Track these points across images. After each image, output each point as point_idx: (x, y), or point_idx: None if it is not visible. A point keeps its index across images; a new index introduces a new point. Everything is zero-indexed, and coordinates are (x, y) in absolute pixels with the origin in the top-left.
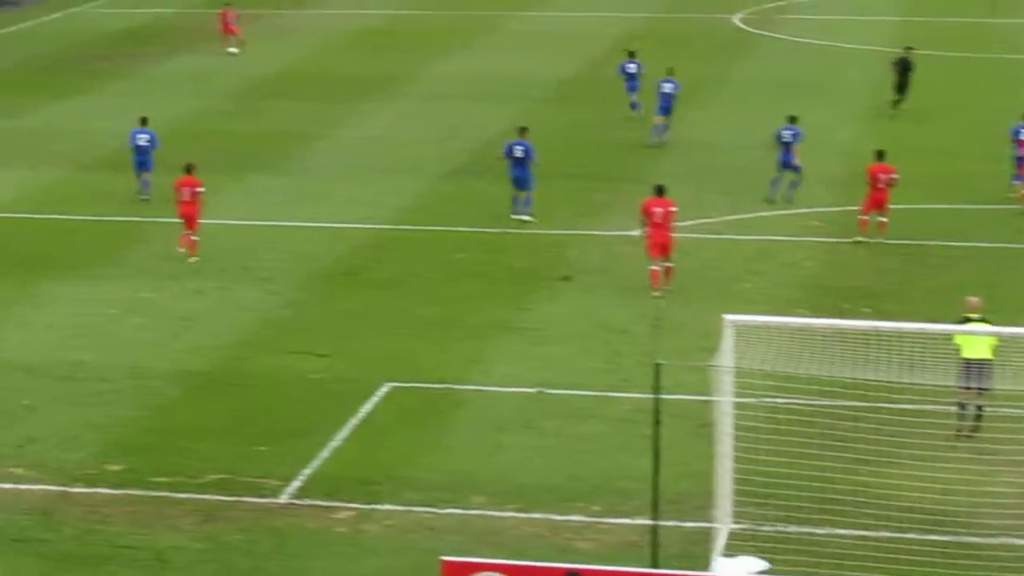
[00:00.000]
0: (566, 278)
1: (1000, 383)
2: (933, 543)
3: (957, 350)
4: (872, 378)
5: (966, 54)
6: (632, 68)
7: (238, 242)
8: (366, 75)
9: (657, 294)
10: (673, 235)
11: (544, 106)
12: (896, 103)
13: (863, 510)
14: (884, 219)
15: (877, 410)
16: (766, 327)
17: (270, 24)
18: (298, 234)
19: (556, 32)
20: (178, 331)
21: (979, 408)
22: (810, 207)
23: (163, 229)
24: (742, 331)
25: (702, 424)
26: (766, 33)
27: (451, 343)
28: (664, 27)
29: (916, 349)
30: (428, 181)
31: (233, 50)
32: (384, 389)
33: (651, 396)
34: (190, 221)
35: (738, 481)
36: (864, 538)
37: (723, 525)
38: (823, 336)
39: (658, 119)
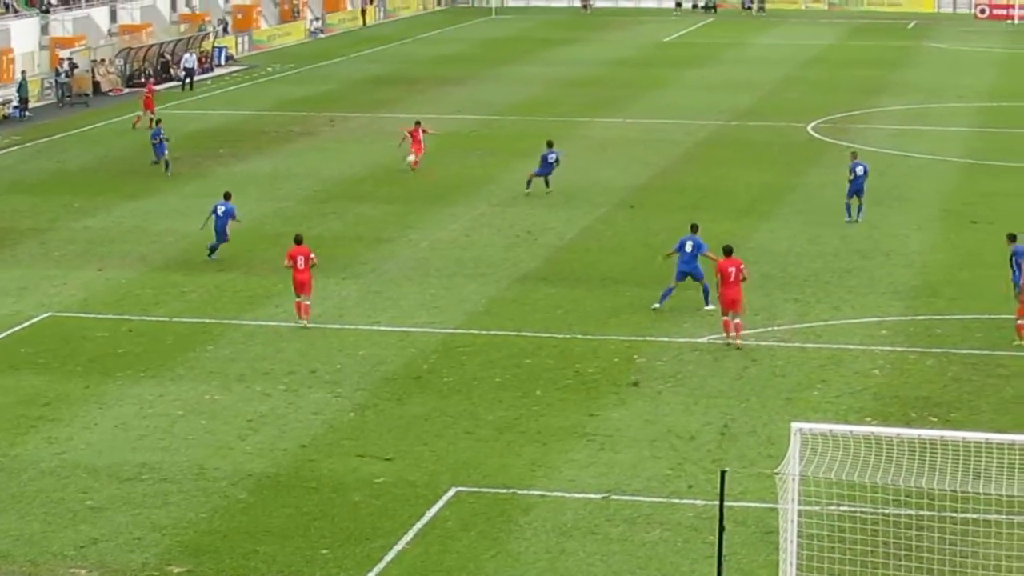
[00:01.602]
0: (635, 384)
1: None
2: None
3: None
4: (936, 487)
5: None
6: (552, 157)
7: (307, 344)
8: (444, 178)
9: (731, 340)
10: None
11: (616, 212)
12: None
13: None
14: None
15: (942, 519)
16: (832, 435)
17: (351, 126)
18: (367, 337)
19: (632, 138)
20: (244, 433)
21: None
22: (880, 316)
23: (231, 330)
24: (808, 439)
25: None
26: (838, 142)
27: (517, 448)
28: (738, 134)
29: (982, 459)
30: (499, 285)
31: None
32: (449, 493)
33: (716, 503)
34: (303, 287)
35: None
36: None
37: None
38: (888, 445)
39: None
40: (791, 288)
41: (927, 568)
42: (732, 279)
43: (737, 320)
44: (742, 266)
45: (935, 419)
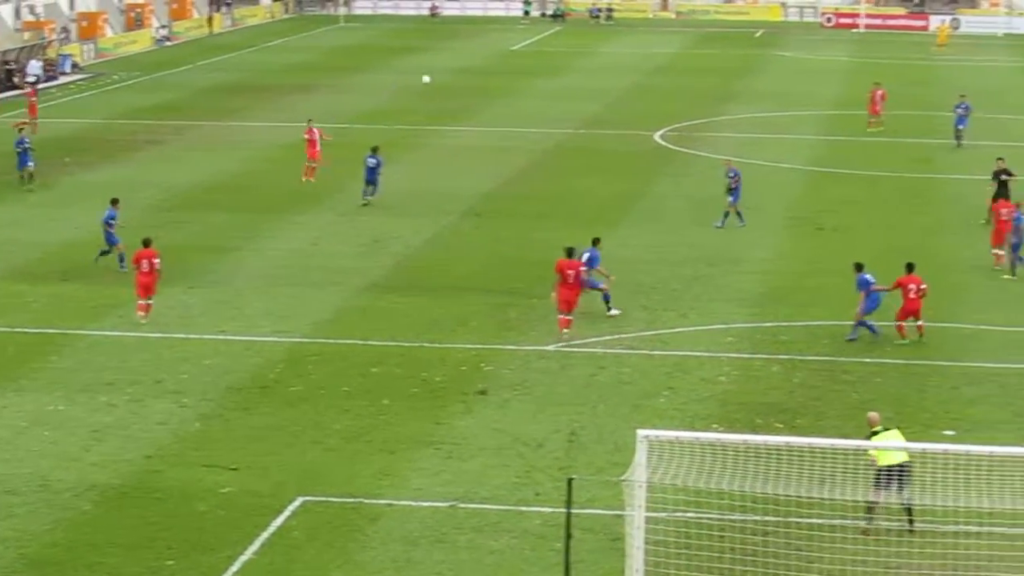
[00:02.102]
0: (482, 392)
1: (918, 499)
2: None
3: (874, 461)
4: (782, 493)
5: (881, 172)
6: (372, 163)
7: (152, 354)
8: (291, 188)
9: (564, 337)
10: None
11: (463, 220)
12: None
13: None
14: (921, 323)
15: (787, 525)
16: (679, 442)
17: (196, 135)
18: (213, 347)
19: (480, 146)
20: (89, 444)
21: (910, 512)
22: (727, 323)
23: (75, 340)
24: (655, 446)
25: (613, 538)
26: (685, 150)
27: (364, 457)
28: (587, 142)
29: (827, 464)
30: (346, 294)
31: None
32: (296, 503)
33: (563, 510)
34: (147, 290)
35: None
36: None
37: None
38: (735, 451)
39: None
40: (638, 296)
41: (773, 573)
42: (571, 280)
43: (570, 317)
44: (581, 268)
45: (781, 425)
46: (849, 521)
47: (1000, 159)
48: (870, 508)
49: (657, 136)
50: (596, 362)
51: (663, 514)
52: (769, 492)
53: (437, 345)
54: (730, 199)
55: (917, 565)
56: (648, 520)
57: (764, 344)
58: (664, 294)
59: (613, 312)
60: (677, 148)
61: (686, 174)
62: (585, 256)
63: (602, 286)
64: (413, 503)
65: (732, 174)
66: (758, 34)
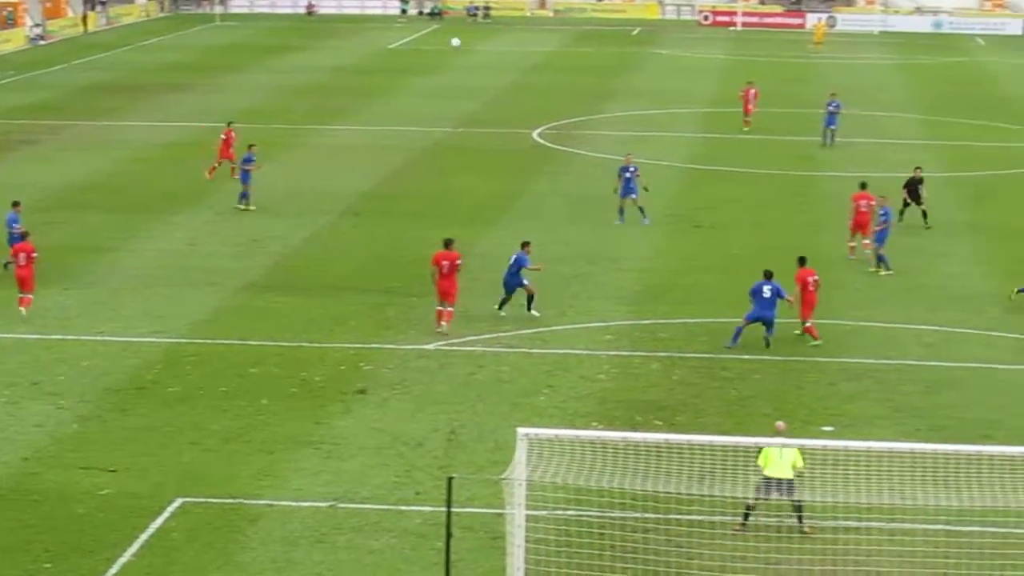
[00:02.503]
0: (361, 391)
1: (800, 495)
2: None
3: (760, 468)
4: (662, 490)
5: (759, 170)
6: (248, 164)
7: (29, 356)
8: (169, 188)
9: (440, 330)
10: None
11: (341, 220)
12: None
13: None
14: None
15: (668, 522)
16: (559, 440)
17: (71, 134)
18: (90, 348)
19: (358, 145)
20: None
21: (799, 511)
22: (605, 321)
23: None
24: (535, 444)
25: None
26: (564, 148)
27: (243, 457)
28: (464, 141)
29: (706, 461)
30: (224, 294)
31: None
32: (175, 504)
33: (443, 509)
34: (24, 283)
35: None
36: None
37: None
38: (615, 449)
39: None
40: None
41: (653, 571)
42: (446, 271)
43: (449, 309)
44: (457, 260)
45: (660, 422)
46: (728, 517)
47: (918, 168)
48: (750, 507)
49: (535, 134)
50: (475, 361)
51: (543, 512)
52: (649, 489)
53: (316, 345)
54: (632, 196)
55: (797, 560)
56: (528, 518)
57: (643, 342)
58: (543, 292)
59: (534, 314)
60: (555, 146)
61: (564, 172)
62: (513, 259)
63: (527, 283)
64: (293, 503)
65: (632, 170)
66: (635, 32)
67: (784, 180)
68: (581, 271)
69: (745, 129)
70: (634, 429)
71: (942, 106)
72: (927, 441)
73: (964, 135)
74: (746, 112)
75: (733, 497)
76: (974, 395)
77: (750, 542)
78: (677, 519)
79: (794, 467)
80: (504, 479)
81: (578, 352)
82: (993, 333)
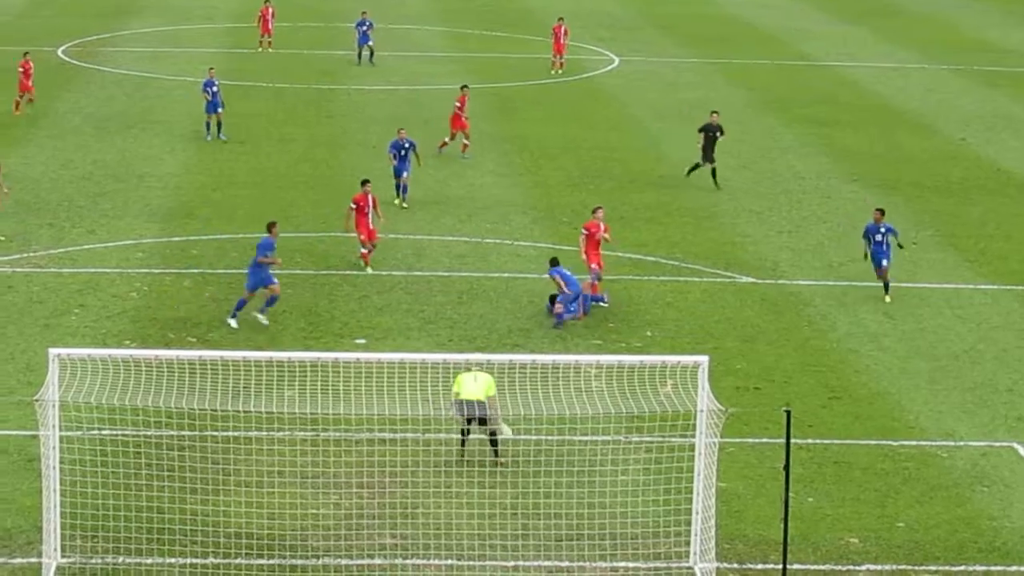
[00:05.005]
0: None
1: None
2: (260, 567)
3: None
4: (197, 407)
5: (285, 84)
6: None
7: None
8: None
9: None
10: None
11: None
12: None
13: (192, 538)
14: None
15: (203, 439)
16: (92, 359)
17: None
18: None
19: None
20: None
21: (492, 435)
22: (136, 239)
23: None
24: (67, 364)
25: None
26: (89, 66)
27: None
28: None
29: (240, 377)
30: None
31: None
32: None
33: None
34: None
35: (66, 515)
36: (194, 566)
37: (51, 560)
38: (148, 367)
39: None
40: (45, 214)
41: (191, 488)
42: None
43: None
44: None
45: (194, 339)
46: (264, 433)
47: (715, 112)
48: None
49: (60, 51)
50: (5, 282)
51: (78, 433)
52: (184, 407)
53: None
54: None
55: (333, 474)
56: (63, 439)
57: (174, 259)
58: (71, 211)
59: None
60: (80, 63)
61: (88, 91)
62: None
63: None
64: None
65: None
66: None
67: (307, 94)
68: (109, 188)
69: (260, 50)
70: (167, 347)
71: (464, 18)
72: (460, 352)
73: (486, 47)
74: (264, 32)
75: (268, 412)
76: (503, 304)
77: (286, 456)
78: (213, 435)
79: (487, 394)
80: (36, 400)
81: (109, 271)
82: (520, 243)
